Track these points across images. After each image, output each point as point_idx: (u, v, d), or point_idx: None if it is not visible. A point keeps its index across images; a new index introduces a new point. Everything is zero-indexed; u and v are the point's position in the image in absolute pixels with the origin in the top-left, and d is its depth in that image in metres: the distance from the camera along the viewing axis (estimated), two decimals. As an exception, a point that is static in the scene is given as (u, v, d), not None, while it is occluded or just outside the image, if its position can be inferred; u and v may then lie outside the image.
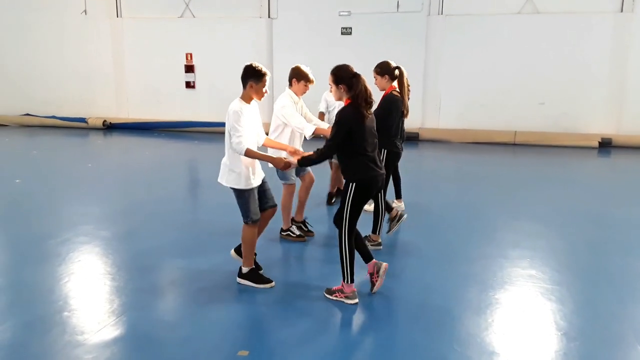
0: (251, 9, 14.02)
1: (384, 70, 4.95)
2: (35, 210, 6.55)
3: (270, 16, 13.94)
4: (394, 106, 4.88)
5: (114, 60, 15.14)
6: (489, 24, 12.74)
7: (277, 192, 5.49)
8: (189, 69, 14.53)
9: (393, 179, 6.41)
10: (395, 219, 5.21)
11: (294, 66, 5.12)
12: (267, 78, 3.98)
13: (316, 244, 5.32)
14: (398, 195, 6.43)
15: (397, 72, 4.98)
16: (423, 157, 11.75)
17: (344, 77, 3.78)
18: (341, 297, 3.93)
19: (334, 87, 3.89)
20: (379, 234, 5.10)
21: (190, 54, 14.51)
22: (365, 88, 3.74)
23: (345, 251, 3.87)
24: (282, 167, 4.05)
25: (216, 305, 3.92)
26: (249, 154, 3.87)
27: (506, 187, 8.12)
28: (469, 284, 4.35)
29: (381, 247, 5.10)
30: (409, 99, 6.28)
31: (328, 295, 3.99)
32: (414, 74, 13.26)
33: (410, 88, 6.24)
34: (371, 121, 3.86)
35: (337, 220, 3.88)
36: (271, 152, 4.56)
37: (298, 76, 5.04)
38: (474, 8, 12.85)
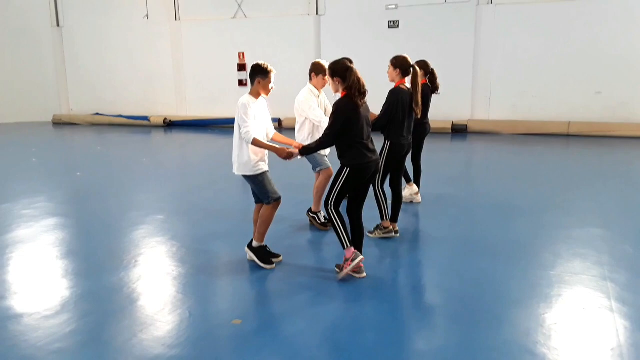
0: (300, 7, 14.39)
1: (398, 64, 5.02)
2: (89, 200, 7.23)
3: (319, 13, 14.23)
4: (399, 99, 4.96)
5: (173, 61, 16.03)
6: (541, 12, 12.35)
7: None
8: (242, 67, 15.12)
9: (414, 171, 6.48)
10: (384, 230, 5.24)
11: (313, 61, 5.36)
12: (273, 75, 4.27)
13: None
14: (416, 182, 6.50)
15: (411, 70, 5.02)
16: (471, 149, 11.62)
17: (338, 70, 4.03)
18: (348, 266, 4.11)
19: (330, 80, 4.13)
20: (386, 219, 5.24)
21: (243, 53, 15.09)
22: (359, 79, 3.97)
23: (336, 220, 4.16)
24: (284, 156, 4.29)
25: (221, 282, 4.31)
26: (255, 143, 4.19)
27: (556, 180, 7.86)
28: (483, 277, 4.40)
29: (398, 234, 5.27)
30: (437, 93, 6.37)
31: (339, 271, 4.22)
32: (463, 65, 13.13)
33: (439, 83, 6.33)
34: (366, 110, 4.10)
35: (326, 198, 4.18)
36: None
37: (316, 70, 5.27)
38: (525, -4, 12.50)
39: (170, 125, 15.84)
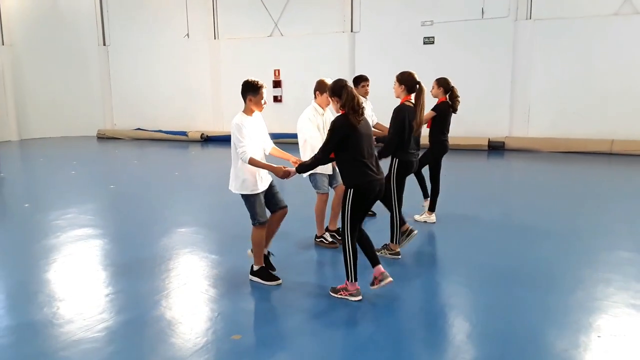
0: (335, 25, 14.49)
1: (404, 80, 4.90)
2: (117, 212, 7.43)
3: (353, 30, 14.29)
4: (402, 115, 4.84)
5: (211, 78, 16.42)
6: (583, 27, 11.96)
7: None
8: (277, 84, 15.31)
9: (432, 190, 6.27)
10: (405, 234, 5.12)
11: (318, 80, 5.36)
12: (264, 90, 4.25)
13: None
14: (432, 208, 6.28)
15: (417, 87, 4.89)
16: (507, 167, 11.31)
17: (336, 89, 4.00)
18: (345, 295, 4.09)
19: (331, 100, 4.12)
20: (397, 243, 5.09)
21: (278, 70, 15.30)
22: (353, 97, 3.89)
23: (349, 251, 4.02)
24: (281, 175, 4.23)
25: (226, 297, 4.29)
26: (252, 162, 4.16)
27: (593, 201, 7.49)
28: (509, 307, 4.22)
29: (399, 257, 5.10)
30: (455, 111, 6.19)
31: (333, 294, 4.16)
32: (500, 81, 12.86)
33: (459, 99, 6.16)
34: (366, 128, 3.99)
35: (341, 227, 4.05)
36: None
37: (321, 89, 5.27)
38: (565, 11, 12.15)
39: (207, 140, 16.18)
